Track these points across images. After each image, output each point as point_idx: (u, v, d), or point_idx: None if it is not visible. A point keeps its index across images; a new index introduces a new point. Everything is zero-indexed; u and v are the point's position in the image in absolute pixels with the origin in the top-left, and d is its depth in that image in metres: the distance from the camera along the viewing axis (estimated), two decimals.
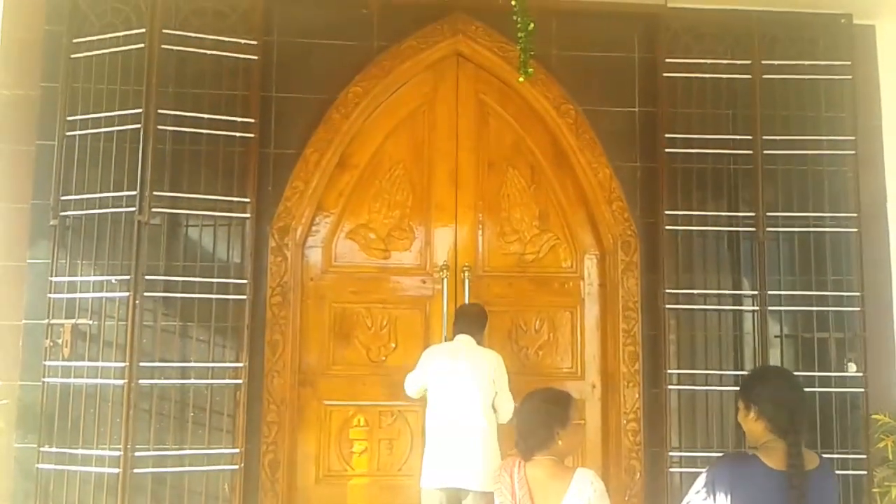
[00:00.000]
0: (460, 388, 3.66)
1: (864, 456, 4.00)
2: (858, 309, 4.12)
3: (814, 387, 4.05)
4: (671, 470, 4.00)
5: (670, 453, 4.02)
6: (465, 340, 3.79)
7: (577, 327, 4.44)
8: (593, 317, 4.43)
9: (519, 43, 3.22)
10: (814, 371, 4.08)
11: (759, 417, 2.39)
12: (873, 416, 4.01)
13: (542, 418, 2.67)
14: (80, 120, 3.98)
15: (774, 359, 4.10)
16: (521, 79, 3.22)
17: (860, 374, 4.08)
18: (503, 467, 2.74)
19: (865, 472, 3.98)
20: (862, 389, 4.06)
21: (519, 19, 2.96)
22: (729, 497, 2.31)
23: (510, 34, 4.06)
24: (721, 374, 4.12)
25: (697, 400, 4.10)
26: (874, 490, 3.95)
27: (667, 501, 3.97)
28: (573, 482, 2.62)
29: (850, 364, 4.12)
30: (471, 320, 3.87)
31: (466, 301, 4.20)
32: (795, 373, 4.05)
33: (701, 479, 2.36)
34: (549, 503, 2.62)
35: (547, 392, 2.76)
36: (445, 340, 4.14)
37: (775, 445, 2.33)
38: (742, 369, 4.11)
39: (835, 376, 4.08)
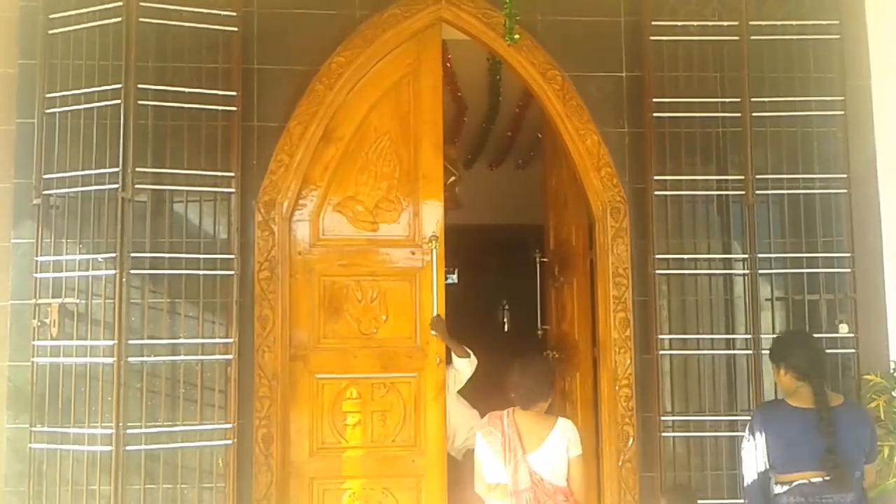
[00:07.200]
0: None
1: None
2: (849, 270, 4.10)
3: None
4: (664, 434, 4.00)
5: (663, 418, 4.02)
6: None
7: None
8: (582, 284, 4.43)
9: (504, 8, 3.20)
10: None
11: (787, 371, 3.05)
12: (865, 377, 3.99)
13: (549, 380, 3.53)
14: (60, 97, 3.91)
15: (766, 321, 4.08)
16: (508, 43, 3.24)
17: (851, 335, 4.07)
18: (492, 416, 3.44)
19: None
20: (853, 350, 4.06)
21: None
22: (763, 435, 2.98)
23: (495, 0, 4.03)
24: (713, 339, 4.11)
25: (689, 364, 4.09)
26: None
27: (660, 466, 3.98)
28: (556, 426, 3.39)
29: (841, 325, 4.10)
30: None
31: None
32: None
33: (747, 427, 3.12)
34: (534, 439, 3.35)
35: (547, 360, 3.43)
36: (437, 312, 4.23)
37: (802, 390, 2.98)
38: (733, 333, 4.11)
39: (826, 337, 4.05)
